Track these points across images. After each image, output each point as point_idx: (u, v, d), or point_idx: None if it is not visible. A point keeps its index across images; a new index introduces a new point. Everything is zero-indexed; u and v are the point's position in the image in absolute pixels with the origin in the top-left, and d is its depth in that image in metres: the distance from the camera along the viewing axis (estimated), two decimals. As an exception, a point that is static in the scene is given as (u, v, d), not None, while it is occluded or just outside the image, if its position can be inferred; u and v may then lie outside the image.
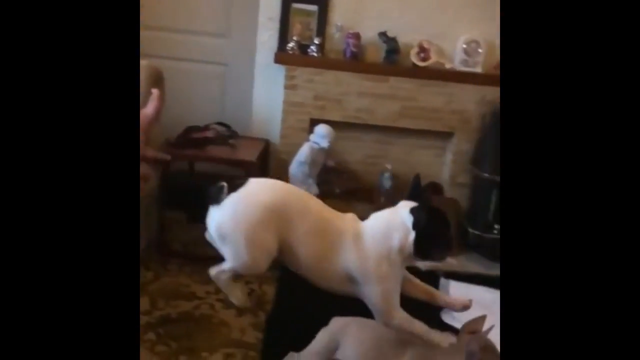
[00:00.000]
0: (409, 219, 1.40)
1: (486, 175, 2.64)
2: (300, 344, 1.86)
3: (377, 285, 1.41)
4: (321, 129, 2.55)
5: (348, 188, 2.91)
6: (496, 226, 2.65)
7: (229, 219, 1.34)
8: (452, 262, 2.62)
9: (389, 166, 2.94)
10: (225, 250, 1.39)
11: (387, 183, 2.93)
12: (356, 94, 2.82)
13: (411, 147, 3.01)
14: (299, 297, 2.20)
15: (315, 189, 2.59)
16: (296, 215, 1.38)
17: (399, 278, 1.47)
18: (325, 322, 1.62)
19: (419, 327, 1.46)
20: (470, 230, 2.72)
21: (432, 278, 2.43)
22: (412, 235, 1.39)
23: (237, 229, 1.34)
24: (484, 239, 2.68)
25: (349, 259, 1.40)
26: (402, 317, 1.46)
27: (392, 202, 2.82)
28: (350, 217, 1.53)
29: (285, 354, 1.70)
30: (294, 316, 2.04)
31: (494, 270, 2.60)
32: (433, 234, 1.40)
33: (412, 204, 1.46)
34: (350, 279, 1.43)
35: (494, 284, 2.43)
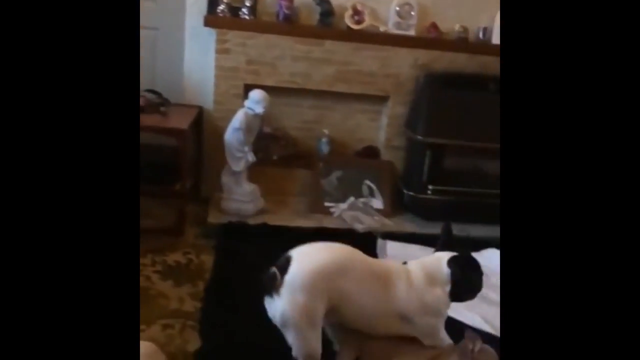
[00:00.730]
0: (447, 271, 1.48)
1: (419, 137, 2.69)
2: (239, 313, 1.87)
3: (429, 319, 1.49)
4: (255, 94, 2.50)
5: (285, 154, 2.90)
6: (430, 187, 2.73)
7: (289, 308, 1.34)
8: (388, 223, 2.69)
9: (326, 131, 2.95)
10: (289, 337, 1.37)
11: (324, 148, 2.94)
12: (290, 58, 2.78)
13: (348, 112, 3.02)
14: (236, 266, 2.19)
15: (251, 157, 2.56)
16: (345, 277, 1.39)
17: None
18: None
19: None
20: (405, 191, 2.80)
21: (369, 239, 2.49)
22: (449, 285, 1.48)
23: (298, 318, 1.34)
24: (418, 199, 2.76)
25: (402, 300, 1.44)
26: (445, 338, 1.56)
27: (329, 168, 2.84)
28: (395, 264, 1.57)
29: (223, 322, 1.70)
30: (231, 285, 2.03)
31: (428, 229, 2.69)
32: (467, 284, 1.52)
33: (448, 255, 1.52)
34: (404, 318, 1.47)
35: (428, 242, 2.52)
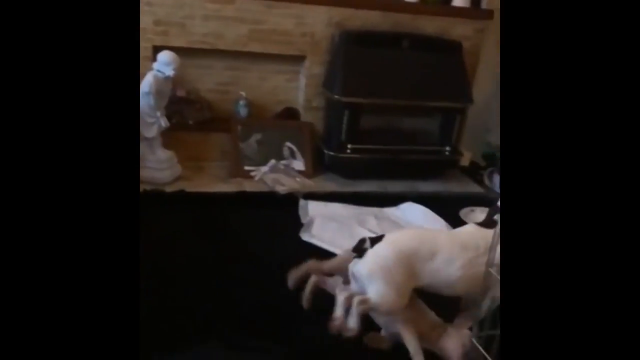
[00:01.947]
0: None
1: (337, 97, 2.69)
2: (160, 281, 1.82)
3: None
4: (164, 56, 2.38)
5: (202, 118, 2.80)
6: (349, 146, 2.76)
7: (373, 266, 1.49)
8: (309, 184, 2.70)
9: (243, 93, 2.88)
10: (371, 291, 1.49)
11: (243, 111, 2.87)
12: (201, 17, 2.65)
13: (264, 73, 2.96)
14: (154, 235, 2.13)
15: (164, 122, 2.46)
16: (429, 253, 1.51)
17: None
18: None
19: None
20: (326, 151, 2.81)
21: (291, 199, 2.49)
22: None
23: (380, 275, 1.48)
24: (338, 158, 2.78)
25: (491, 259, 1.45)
26: None
27: (248, 131, 2.78)
28: (472, 227, 1.64)
29: (143, 291, 1.65)
30: (150, 254, 1.97)
31: (348, 188, 2.74)
32: None
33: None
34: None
35: (349, 200, 2.57)
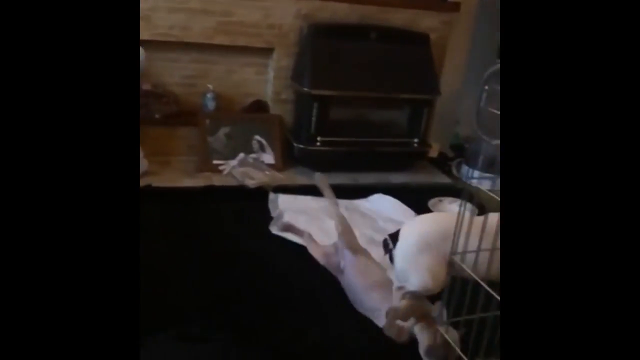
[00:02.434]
0: None
1: (306, 89, 2.69)
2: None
3: None
4: (129, 49, 2.33)
5: (168, 112, 2.76)
6: (318, 138, 2.76)
7: (402, 260, 1.58)
8: (279, 177, 2.69)
9: (210, 86, 2.84)
10: (410, 283, 1.57)
11: (210, 104, 2.84)
12: (166, 9, 2.60)
13: (232, 65, 2.93)
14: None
15: (130, 115, 2.40)
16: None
17: None
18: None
19: None
20: (295, 144, 2.80)
21: (261, 193, 2.48)
22: None
23: (408, 267, 1.56)
24: (308, 151, 2.78)
25: None
26: None
27: (217, 125, 2.75)
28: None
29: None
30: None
31: (319, 180, 2.74)
32: None
33: None
34: None
35: (319, 193, 2.56)
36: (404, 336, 1.56)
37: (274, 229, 2.18)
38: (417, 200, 2.51)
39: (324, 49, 2.72)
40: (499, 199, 0.87)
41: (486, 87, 1.22)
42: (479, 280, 1.28)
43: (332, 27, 2.80)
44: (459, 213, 1.37)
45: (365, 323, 1.67)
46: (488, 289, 1.27)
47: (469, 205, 2.42)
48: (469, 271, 1.32)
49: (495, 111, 1.43)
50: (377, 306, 1.65)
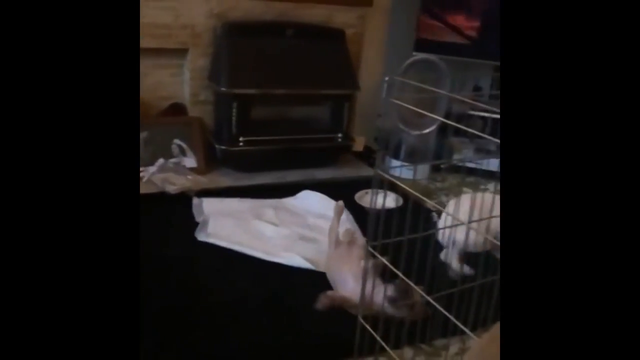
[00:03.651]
0: None
1: (224, 89, 2.62)
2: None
3: None
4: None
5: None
6: (241, 139, 2.71)
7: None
8: (202, 181, 2.61)
9: (123, 91, 2.70)
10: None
11: (124, 110, 2.70)
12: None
13: (146, 68, 2.80)
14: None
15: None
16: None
17: None
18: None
19: None
20: (217, 146, 2.73)
21: (184, 199, 2.40)
22: None
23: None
24: (231, 152, 2.72)
25: None
26: None
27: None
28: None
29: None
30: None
31: (244, 181, 2.69)
32: None
33: None
34: None
35: (246, 194, 2.52)
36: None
37: (200, 236, 2.11)
38: (344, 194, 2.52)
39: (240, 47, 2.67)
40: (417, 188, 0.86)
41: (386, 78, 1.23)
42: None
43: (247, 25, 2.75)
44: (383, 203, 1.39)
45: (296, 327, 1.65)
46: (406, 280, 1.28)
47: (393, 195, 2.47)
48: (385, 261, 1.34)
49: (398, 101, 1.45)
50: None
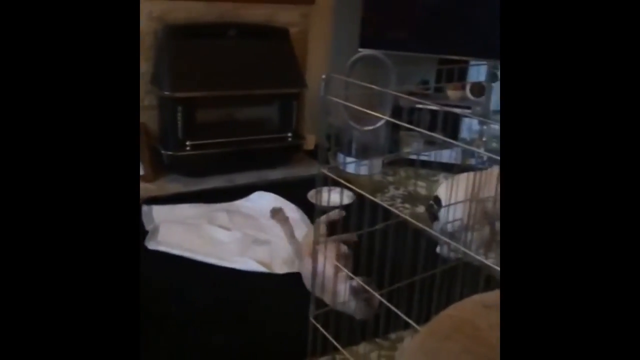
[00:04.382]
0: None
1: (167, 93, 2.56)
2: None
3: None
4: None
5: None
6: (188, 143, 2.65)
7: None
8: (151, 188, 2.55)
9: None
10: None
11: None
12: None
13: (84, 75, 2.70)
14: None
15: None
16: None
17: None
18: None
19: None
20: (164, 151, 2.67)
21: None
22: None
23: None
24: (178, 157, 2.66)
25: None
26: None
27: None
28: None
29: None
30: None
31: (194, 186, 2.64)
32: None
33: None
34: None
35: (197, 199, 2.47)
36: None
37: (151, 244, 2.05)
38: (298, 194, 2.52)
39: (182, 50, 2.62)
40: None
41: (323, 76, 1.23)
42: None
43: (188, 27, 2.69)
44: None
45: (250, 332, 1.63)
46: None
47: (347, 193, 2.47)
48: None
49: (337, 99, 1.45)
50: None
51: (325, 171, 1.27)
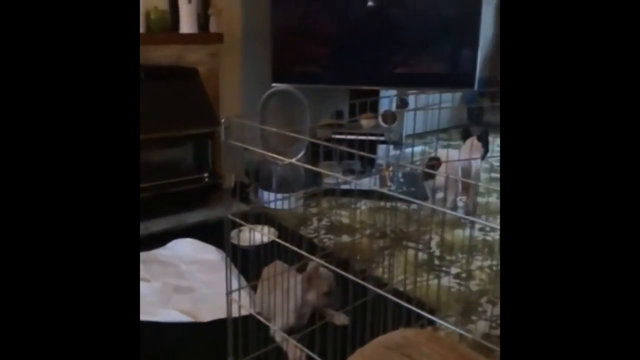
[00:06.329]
0: None
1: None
2: None
3: None
4: None
5: None
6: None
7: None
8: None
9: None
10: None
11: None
12: None
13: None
14: None
15: None
16: None
17: None
18: None
19: None
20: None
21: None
22: None
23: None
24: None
25: None
26: None
27: None
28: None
29: None
30: None
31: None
32: None
33: None
34: None
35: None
36: None
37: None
38: (218, 235, 2.43)
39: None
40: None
41: (223, 120, 1.26)
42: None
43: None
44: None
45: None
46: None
47: (271, 230, 2.43)
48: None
49: (237, 143, 1.43)
50: None
51: (229, 216, 1.26)
